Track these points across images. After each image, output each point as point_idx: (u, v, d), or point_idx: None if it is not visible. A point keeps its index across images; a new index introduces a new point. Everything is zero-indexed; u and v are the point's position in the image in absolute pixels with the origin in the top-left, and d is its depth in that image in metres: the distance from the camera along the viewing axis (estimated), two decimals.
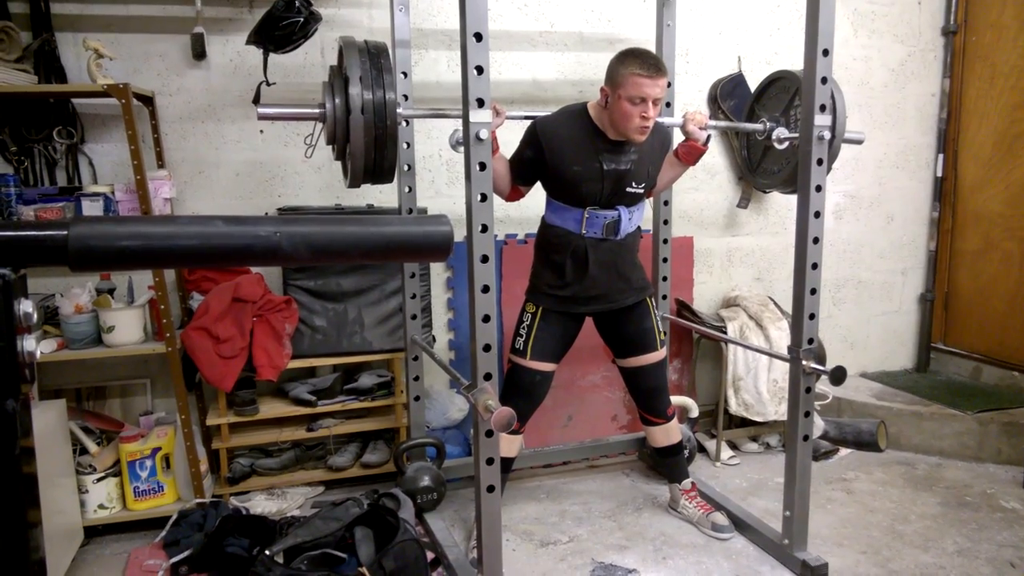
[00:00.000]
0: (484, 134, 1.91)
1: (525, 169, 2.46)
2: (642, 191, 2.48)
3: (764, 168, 2.93)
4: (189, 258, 0.84)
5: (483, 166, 1.93)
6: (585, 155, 2.38)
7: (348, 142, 2.13)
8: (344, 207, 3.01)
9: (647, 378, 2.67)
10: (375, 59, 2.11)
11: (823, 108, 2.20)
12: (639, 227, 2.59)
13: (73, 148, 2.76)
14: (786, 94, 2.73)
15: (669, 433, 2.75)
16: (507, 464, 2.62)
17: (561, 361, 2.60)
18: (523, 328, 2.55)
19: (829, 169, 2.51)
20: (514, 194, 2.53)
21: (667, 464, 2.84)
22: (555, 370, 2.58)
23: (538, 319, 2.53)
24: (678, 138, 2.61)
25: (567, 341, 2.59)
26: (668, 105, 2.99)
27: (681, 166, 2.63)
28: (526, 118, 2.48)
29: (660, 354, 2.67)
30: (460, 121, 2.06)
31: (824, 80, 2.19)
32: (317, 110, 2.16)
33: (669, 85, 2.97)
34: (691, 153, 2.58)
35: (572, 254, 2.47)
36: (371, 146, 2.11)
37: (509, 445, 2.56)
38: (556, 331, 2.54)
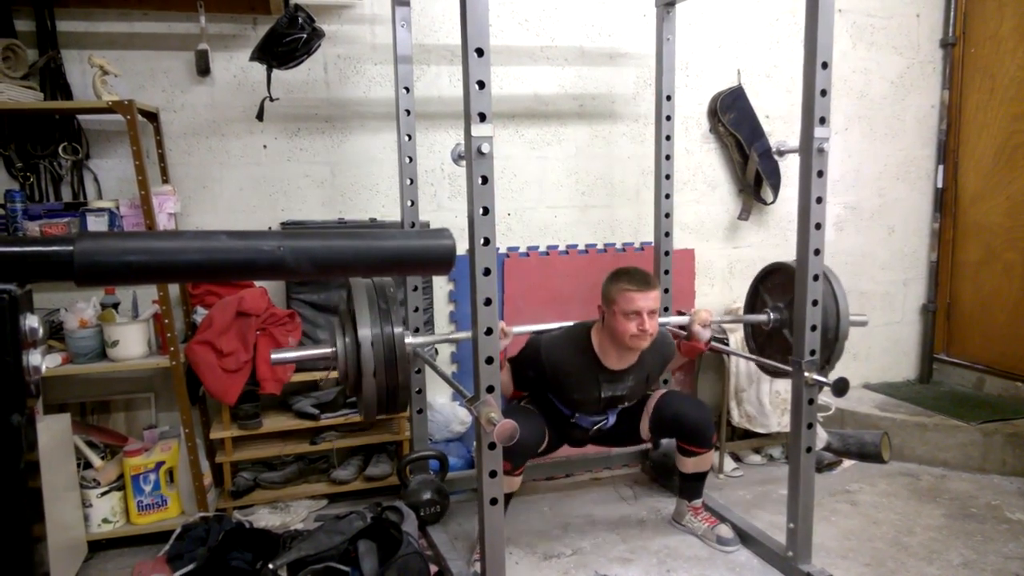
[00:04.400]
0: (486, 148, 1.92)
1: (526, 384, 2.61)
2: (633, 403, 2.67)
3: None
4: (194, 273, 0.84)
5: (485, 180, 1.93)
6: (586, 386, 2.54)
7: (360, 377, 2.08)
8: (347, 221, 3.03)
9: (667, 408, 2.66)
10: (384, 308, 2.08)
11: (822, 121, 2.22)
12: None
13: (78, 164, 2.78)
14: (784, 287, 2.70)
15: (701, 463, 2.71)
16: (506, 499, 2.62)
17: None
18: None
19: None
20: (515, 396, 2.68)
21: (687, 485, 2.77)
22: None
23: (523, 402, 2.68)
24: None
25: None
26: (668, 119, 3.01)
27: (679, 358, 2.78)
28: (530, 333, 2.58)
29: (661, 391, 2.77)
30: (459, 141, 2.07)
31: (824, 92, 2.20)
32: (329, 350, 2.10)
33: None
34: (691, 351, 2.72)
35: (554, 424, 2.61)
36: (383, 389, 2.09)
37: (508, 483, 2.55)
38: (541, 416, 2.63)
